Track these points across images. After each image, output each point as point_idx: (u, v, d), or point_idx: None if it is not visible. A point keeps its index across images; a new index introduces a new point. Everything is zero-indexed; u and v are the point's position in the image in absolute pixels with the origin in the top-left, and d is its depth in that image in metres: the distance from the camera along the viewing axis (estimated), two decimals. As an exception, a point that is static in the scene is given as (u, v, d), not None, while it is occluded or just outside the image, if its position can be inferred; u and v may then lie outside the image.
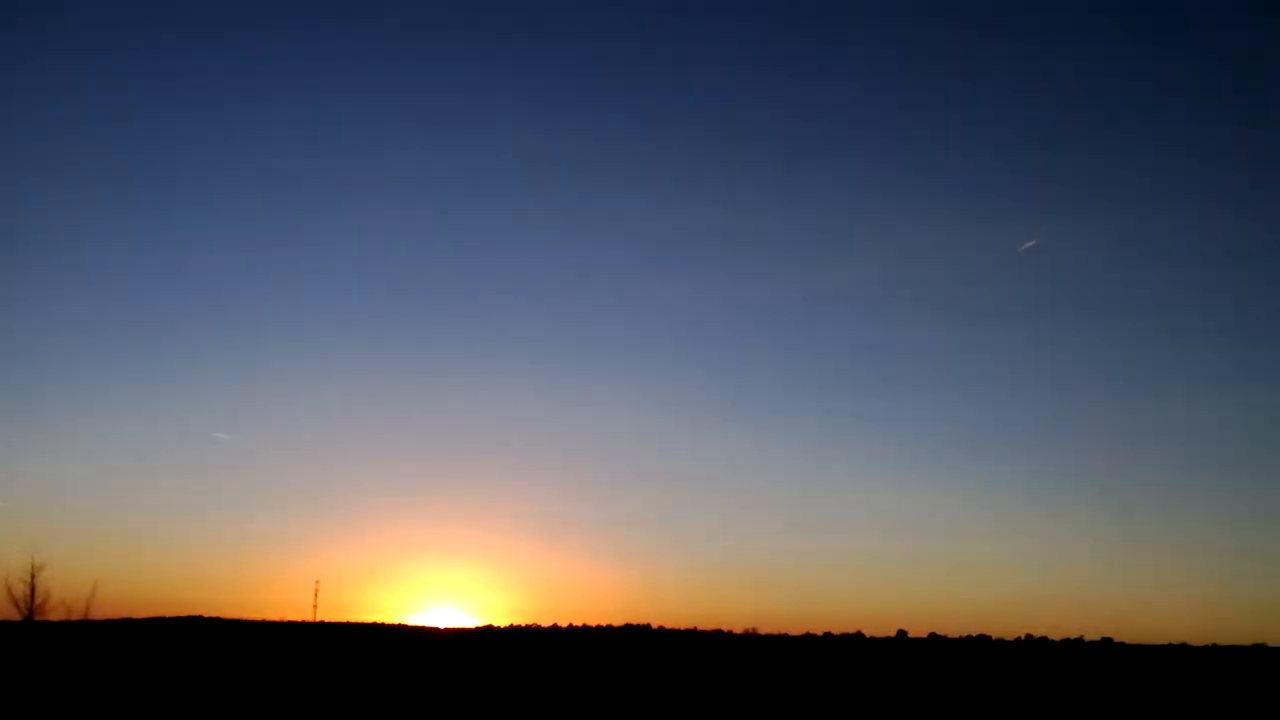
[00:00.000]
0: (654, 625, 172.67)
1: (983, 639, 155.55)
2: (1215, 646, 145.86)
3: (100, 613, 76.14)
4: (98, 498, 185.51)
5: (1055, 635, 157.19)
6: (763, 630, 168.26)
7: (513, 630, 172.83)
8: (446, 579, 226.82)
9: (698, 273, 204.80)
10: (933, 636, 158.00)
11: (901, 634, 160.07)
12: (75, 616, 65.01)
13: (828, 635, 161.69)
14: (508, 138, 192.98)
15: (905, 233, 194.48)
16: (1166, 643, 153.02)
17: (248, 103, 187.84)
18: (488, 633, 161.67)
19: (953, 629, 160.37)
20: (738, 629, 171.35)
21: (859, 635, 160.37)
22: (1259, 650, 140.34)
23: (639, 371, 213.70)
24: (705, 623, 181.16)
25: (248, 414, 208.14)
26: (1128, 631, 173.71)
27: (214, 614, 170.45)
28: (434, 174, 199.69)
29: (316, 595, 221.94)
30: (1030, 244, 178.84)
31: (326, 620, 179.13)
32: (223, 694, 29.02)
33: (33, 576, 61.44)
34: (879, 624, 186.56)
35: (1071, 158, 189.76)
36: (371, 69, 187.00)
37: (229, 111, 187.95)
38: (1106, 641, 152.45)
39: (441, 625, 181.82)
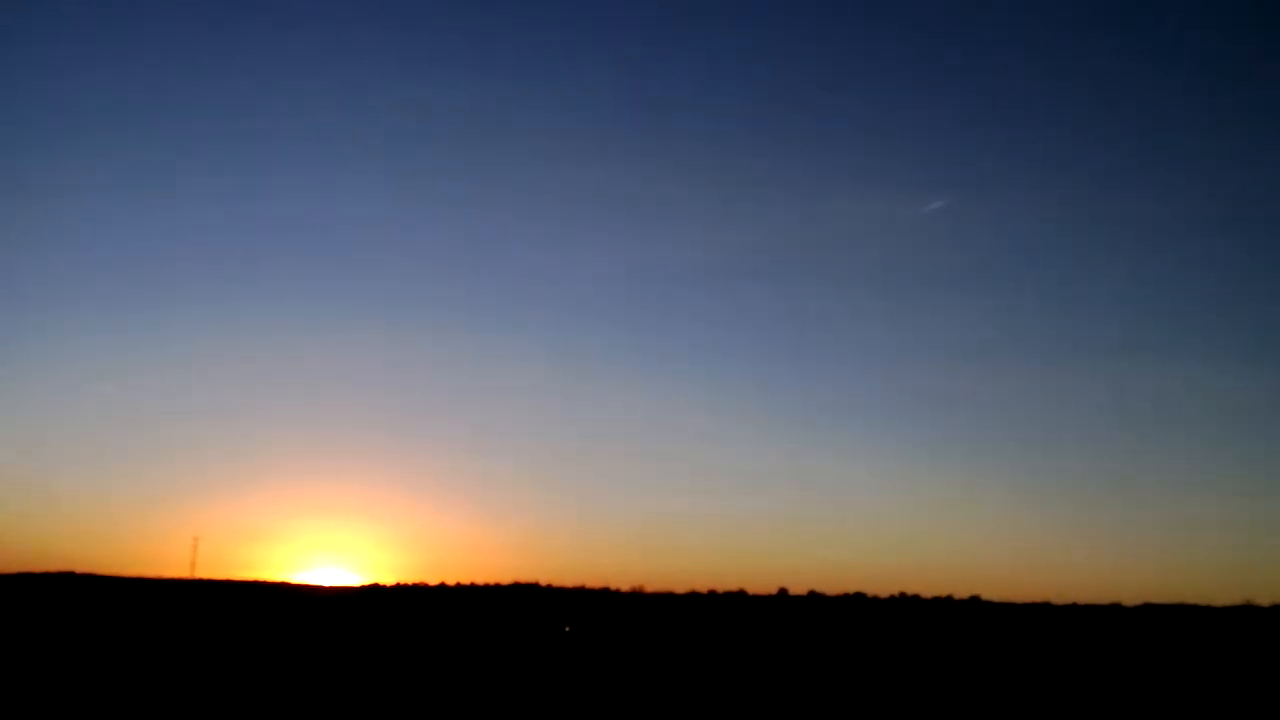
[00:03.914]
0: (542, 583, 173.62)
1: (859, 596, 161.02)
2: (1075, 605, 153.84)
3: (-35, 567, 73.15)
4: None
5: (927, 593, 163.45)
6: (649, 588, 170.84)
7: (399, 589, 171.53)
8: (332, 537, 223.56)
9: (600, 237, 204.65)
10: (812, 594, 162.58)
11: (783, 591, 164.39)
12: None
13: (711, 593, 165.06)
14: (423, 98, 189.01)
15: (807, 200, 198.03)
16: (1031, 601, 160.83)
17: (138, 63, 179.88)
18: (373, 591, 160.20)
19: (831, 587, 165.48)
20: (624, 587, 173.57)
21: (742, 593, 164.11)
22: (1115, 609, 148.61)
23: (529, 332, 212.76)
24: (592, 580, 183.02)
25: (132, 366, 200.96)
26: (995, 590, 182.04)
27: (87, 570, 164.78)
28: (341, 132, 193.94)
29: (195, 552, 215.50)
30: (937, 205, 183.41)
31: (205, 578, 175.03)
32: (92, 650, 28.46)
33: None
34: (761, 582, 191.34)
35: (985, 129, 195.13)
36: (280, 33, 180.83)
37: (122, 68, 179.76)
38: (975, 599, 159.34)
39: (326, 583, 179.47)
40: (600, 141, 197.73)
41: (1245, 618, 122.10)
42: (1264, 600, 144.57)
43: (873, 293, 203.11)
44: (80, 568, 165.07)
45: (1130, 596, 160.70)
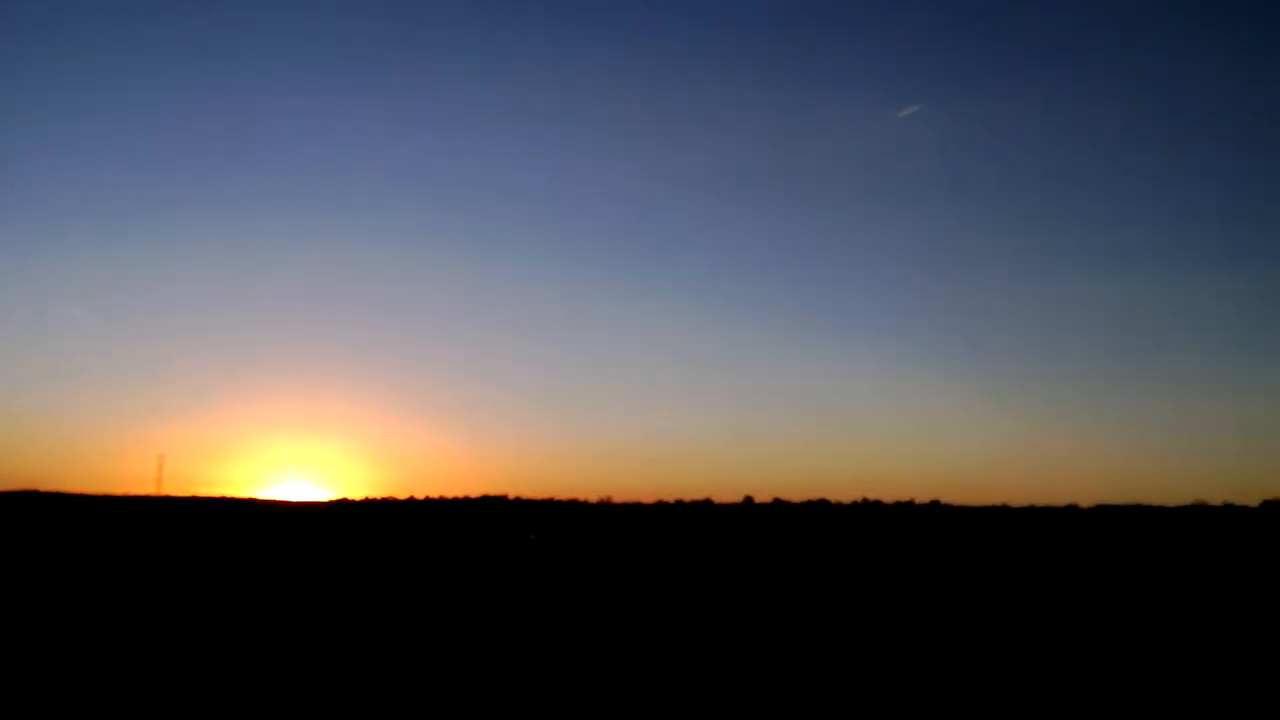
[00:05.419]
0: (511, 495, 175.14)
1: (822, 503, 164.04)
2: (1032, 508, 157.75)
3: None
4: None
5: (889, 499, 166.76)
6: (617, 499, 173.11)
7: (367, 503, 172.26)
8: (300, 452, 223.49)
9: (575, 154, 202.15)
10: (777, 501, 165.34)
11: (748, 499, 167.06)
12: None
13: (679, 502, 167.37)
14: (404, 21, 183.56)
15: (779, 108, 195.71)
16: (989, 504, 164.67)
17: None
18: (341, 506, 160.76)
19: (795, 494, 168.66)
20: (593, 498, 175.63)
21: (708, 501, 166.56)
22: (1071, 510, 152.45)
23: (494, 249, 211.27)
24: (561, 492, 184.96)
25: (97, 286, 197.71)
26: (954, 494, 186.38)
27: (52, 488, 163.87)
28: (318, 52, 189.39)
29: (160, 470, 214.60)
30: (911, 110, 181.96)
31: (172, 495, 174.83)
32: (56, 569, 28.17)
33: None
34: (728, 491, 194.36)
35: (955, 31, 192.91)
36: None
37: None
38: (935, 504, 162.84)
39: (294, 499, 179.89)
40: (576, 58, 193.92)
41: (1197, 517, 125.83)
42: (1215, 500, 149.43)
43: (843, 199, 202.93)
44: (44, 486, 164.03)
45: (1085, 498, 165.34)
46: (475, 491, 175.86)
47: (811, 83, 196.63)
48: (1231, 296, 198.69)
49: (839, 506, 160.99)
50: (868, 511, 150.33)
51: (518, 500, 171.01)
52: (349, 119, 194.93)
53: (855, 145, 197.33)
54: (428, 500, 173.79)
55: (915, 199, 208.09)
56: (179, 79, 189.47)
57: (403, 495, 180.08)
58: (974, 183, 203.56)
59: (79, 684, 11.60)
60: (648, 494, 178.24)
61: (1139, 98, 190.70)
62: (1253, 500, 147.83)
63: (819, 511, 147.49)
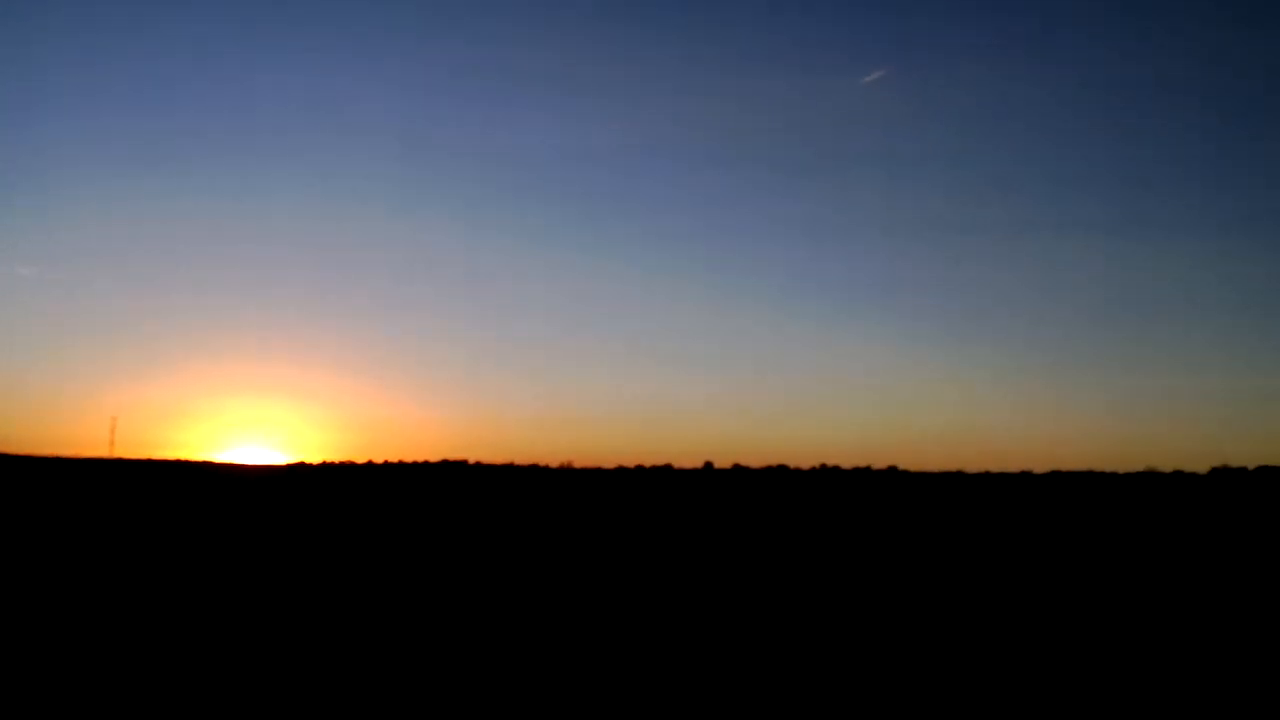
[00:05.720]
0: (471, 460, 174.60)
1: (781, 468, 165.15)
2: (988, 473, 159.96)
3: None
4: None
5: (847, 464, 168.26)
6: (578, 464, 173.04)
7: (325, 467, 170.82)
8: (256, 416, 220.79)
9: (533, 117, 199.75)
10: (736, 467, 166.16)
11: (708, 465, 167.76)
12: None
13: (639, 467, 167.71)
14: None
15: (739, 74, 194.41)
16: (945, 470, 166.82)
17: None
18: (298, 470, 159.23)
19: (755, 460, 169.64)
20: (553, 463, 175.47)
21: (668, 467, 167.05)
22: (1024, 476, 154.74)
23: (456, 211, 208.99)
24: (522, 457, 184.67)
25: (49, 245, 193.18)
26: (912, 460, 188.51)
27: (1, 450, 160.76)
28: (238, 13, 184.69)
29: (113, 432, 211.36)
30: (876, 75, 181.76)
31: (124, 457, 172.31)
32: (3, 530, 27.50)
33: None
34: (688, 457, 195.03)
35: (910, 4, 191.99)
36: None
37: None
38: (892, 469, 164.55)
39: (249, 462, 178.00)
40: (536, 21, 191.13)
41: (1148, 483, 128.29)
42: (1165, 467, 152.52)
43: (807, 166, 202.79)
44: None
45: (1039, 464, 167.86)
46: (435, 456, 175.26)
47: (773, 51, 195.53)
48: (1185, 265, 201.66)
49: (798, 472, 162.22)
50: (827, 477, 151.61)
51: (478, 465, 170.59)
52: (303, 76, 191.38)
53: (818, 113, 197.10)
54: (387, 465, 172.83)
55: (879, 165, 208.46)
56: (135, 32, 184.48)
57: (361, 460, 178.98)
58: (938, 148, 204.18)
59: (25, 656, 11.19)
60: (608, 459, 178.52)
61: (1106, 57, 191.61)
62: (1202, 467, 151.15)
63: (778, 477, 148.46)
